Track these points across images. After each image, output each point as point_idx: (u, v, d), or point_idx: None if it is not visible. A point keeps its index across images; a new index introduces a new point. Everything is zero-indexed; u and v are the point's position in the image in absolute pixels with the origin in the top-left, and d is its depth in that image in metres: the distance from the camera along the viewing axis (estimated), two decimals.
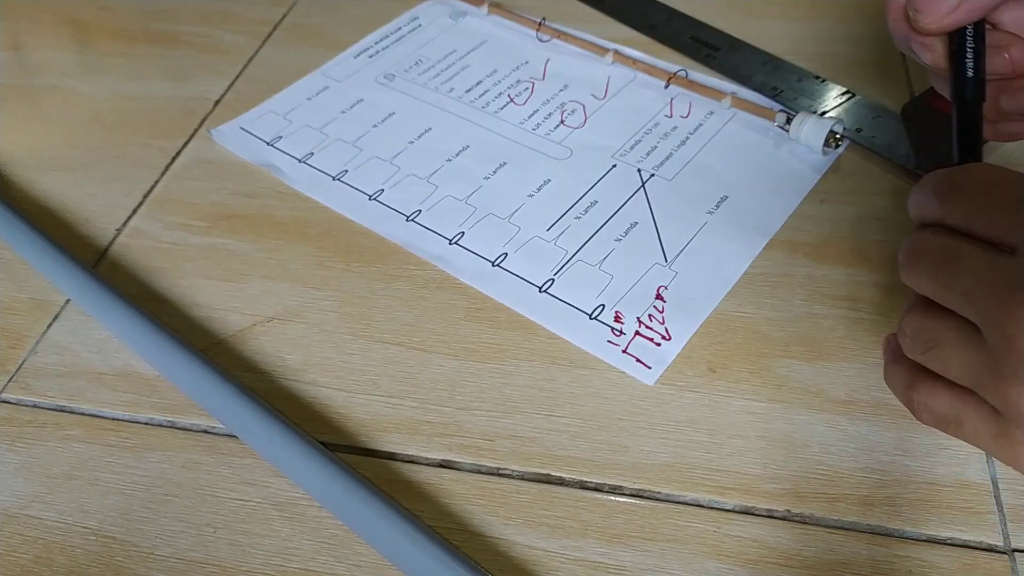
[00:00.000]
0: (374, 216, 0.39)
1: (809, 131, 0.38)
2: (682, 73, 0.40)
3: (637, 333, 0.33)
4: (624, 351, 0.32)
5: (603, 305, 0.34)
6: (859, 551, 0.26)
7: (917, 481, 0.28)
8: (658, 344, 0.32)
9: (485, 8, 0.38)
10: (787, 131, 0.39)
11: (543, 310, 0.34)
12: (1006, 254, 0.20)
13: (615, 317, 0.33)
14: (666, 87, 0.41)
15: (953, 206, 0.21)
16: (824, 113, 0.40)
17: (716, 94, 0.41)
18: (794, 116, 0.39)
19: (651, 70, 0.43)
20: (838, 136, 0.38)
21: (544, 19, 0.37)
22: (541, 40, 0.39)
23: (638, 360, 0.32)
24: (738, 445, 0.29)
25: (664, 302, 0.34)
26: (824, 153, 0.38)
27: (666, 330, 0.33)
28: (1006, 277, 0.19)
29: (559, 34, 0.40)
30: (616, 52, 0.41)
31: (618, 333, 0.33)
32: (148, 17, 0.54)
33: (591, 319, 0.33)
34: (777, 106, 0.41)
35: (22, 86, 0.49)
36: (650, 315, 0.33)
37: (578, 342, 0.33)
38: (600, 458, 0.29)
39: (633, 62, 0.41)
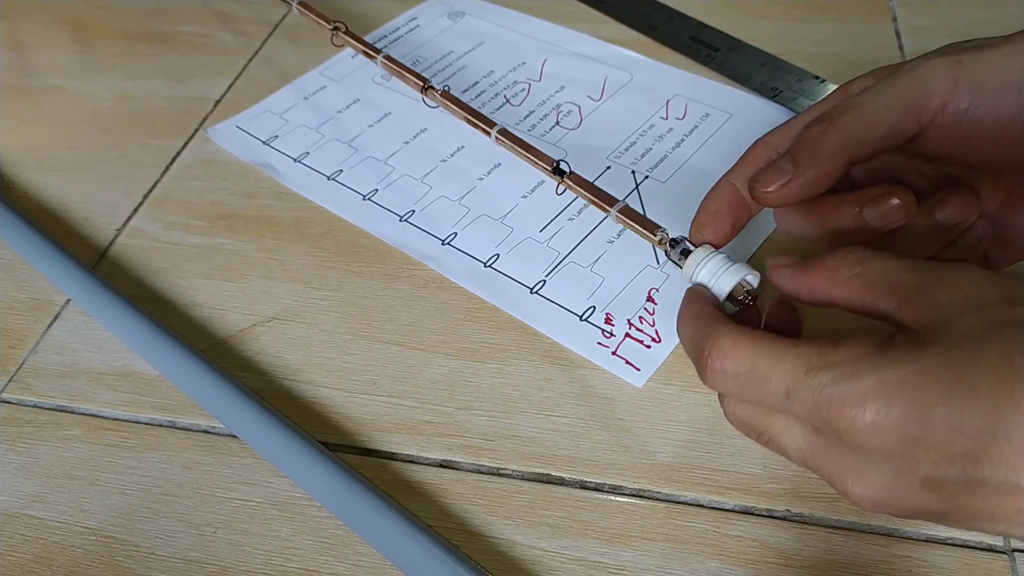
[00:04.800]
0: (368, 216, 0.39)
1: (710, 274, 0.25)
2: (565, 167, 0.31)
3: (627, 335, 0.33)
4: (614, 353, 0.32)
5: (594, 307, 0.34)
6: (859, 551, 0.26)
7: None
8: (648, 346, 0.32)
9: (379, 60, 0.37)
10: (679, 265, 0.27)
11: (534, 311, 0.34)
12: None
13: (606, 319, 0.33)
14: (559, 185, 0.32)
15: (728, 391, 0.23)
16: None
17: (609, 200, 0.30)
18: (690, 250, 0.26)
19: (537, 156, 0.32)
20: (748, 294, 0.25)
21: (429, 83, 0.35)
22: (428, 105, 0.37)
23: (627, 362, 0.32)
24: (738, 445, 0.29)
25: (655, 304, 0.34)
26: (727, 310, 0.25)
27: (656, 332, 0.33)
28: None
29: (449, 99, 0.35)
30: (501, 131, 0.33)
31: (608, 335, 0.33)
32: (148, 17, 0.54)
33: (581, 320, 0.33)
34: (662, 227, 0.28)
35: (22, 86, 0.49)
36: (641, 317, 0.33)
37: (568, 343, 0.33)
38: (600, 458, 0.29)
39: (520, 145, 0.32)
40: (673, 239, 0.27)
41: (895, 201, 0.25)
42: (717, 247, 0.27)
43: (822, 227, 0.26)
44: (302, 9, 0.41)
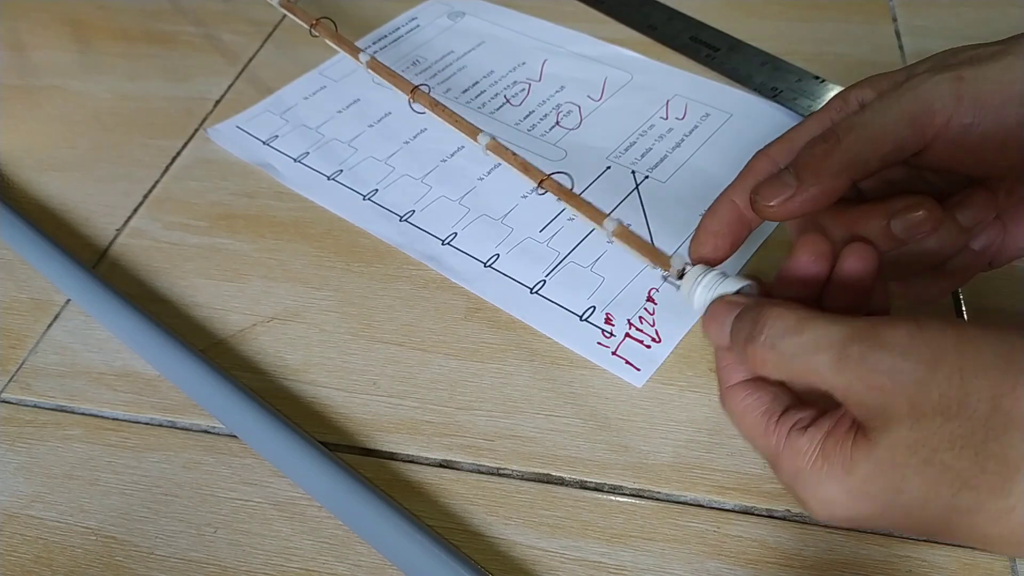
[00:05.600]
0: (368, 216, 0.39)
1: (703, 297, 0.25)
2: (563, 179, 0.30)
3: (627, 335, 0.33)
4: (614, 353, 0.32)
5: (594, 307, 0.34)
6: (859, 551, 0.26)
7: None
8: (648, 346, 0.32)
9: (364, 60, 0.35)
10: (676, 286, 0.26)
11: (534, 311, 0.34)
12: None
13: (606, 319, 0.33)
14: (541, 192, 0.30)
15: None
16: None
17: (598, 216, 0.29)
18: (687, 268, 0.26)
19: (526, 167, 0.31)
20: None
21: (417, 88, 0.34)
22: (414, 110, 0.36)
23: (627, 362, 0.32)
24: (738, 445, 0.29)
25: (655, 304, 0.34)
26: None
27: (656, 332, 0.33)
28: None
29: (434, 105, 0.34)
30: (492, 139, 0.31)
31: (608, 335, 0.33)
32: (148, 17, 0.54)
33: (581, 320, 0.33)
34: (671, 252, 0.27)
35: (22, 86, 0.49)
36: (640, 317, 0.33)
37: (568, 343, 0.33)
38: (600, 458, 0.29)
39: (512, 155, 0.31)
40: (679, 258, 0.26)
41: (922, 214, 0.24)
42: (715, 264, 0.26)
43: (848, 236, 0.26)
44: (285, 8, 0.41)
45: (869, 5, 0.48)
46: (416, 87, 0.35)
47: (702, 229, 0.27)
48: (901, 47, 0.45)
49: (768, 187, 0.24)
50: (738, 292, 0.24)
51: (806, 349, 0.21)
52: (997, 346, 0.19)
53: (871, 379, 0.19)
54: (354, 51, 0.37)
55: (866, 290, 0.24)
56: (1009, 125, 0.23)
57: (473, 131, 0.32)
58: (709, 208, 0.27)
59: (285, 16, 0.52)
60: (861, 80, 0.26)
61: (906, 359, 0.19)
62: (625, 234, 0.27)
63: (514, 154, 0.31)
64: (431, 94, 0.35)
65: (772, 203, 0.24)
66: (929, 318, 0.20)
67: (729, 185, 0.27)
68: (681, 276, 0.26)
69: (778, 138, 0.26)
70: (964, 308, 0.33)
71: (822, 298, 0.24)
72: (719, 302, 0.24)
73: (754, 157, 0.26)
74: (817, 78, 0.43)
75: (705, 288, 0.25)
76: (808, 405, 0.23)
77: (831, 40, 0.46)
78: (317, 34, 0.38)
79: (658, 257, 0.26)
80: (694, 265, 0.26)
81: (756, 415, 0.23)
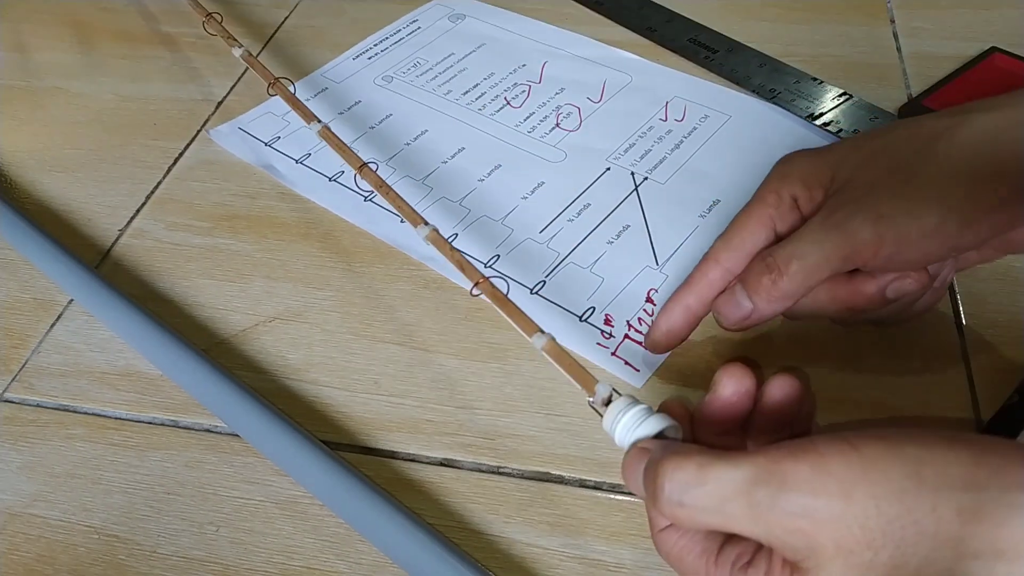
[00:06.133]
0: (369, 217, 0.39)
1: (622, 437, 0.23)
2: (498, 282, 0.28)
3: (627, 336, 0.33)
4: (613, 354, 0.32)
5: (593, 307, 0.34)
6: None
7: None
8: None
9: (315, 129, 0.35)
10: (599, 413, 0.24)
11: (534, 312, 0.34)
12: None
13: (605, 320, 0.33)
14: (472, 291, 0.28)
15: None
16: None
17: (530, 327, 0.27)
18: (613, 397, 0.24)
19: (462, 265, 0.29)
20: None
21: (367, 164, 0.32)
22: (362, 195, 0.37)
23: (627, 363, 0.32)
24: None
25: (654, 305, 0.34)
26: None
27: (615, 392, 0.32)
28: None
29: (380, 186, 0.32)
30: (433, 231, 0.30)
31: (608, 336, 0.33)
32: (150, 19, 0.54)
33: (581, 321, 0.33)
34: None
35: (25, 87, 0.49)
36: (640, 318, 0.33)
37: (568, 344, 0.33)
38: (600, 457, 0.29)
39: (450, 250, 0.29)
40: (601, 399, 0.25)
41: (910, 280, 0.27)
42: (663, 352, 0.31)
43: (842, 307, 0.28)
44: (247, 61, 0.41)
45: (867, 7, 0.48)
46: (364, 164, 0.33)
47: (656, 329, 0.30)
48: (899, 48, 0.45)
49: (728, 308, 0.28)
50: (658, 435, 0.23)
51: (713, 500, 0.20)
52: (901, 467, 0.18)
53: (788, 523, 0.19)
54: (308, 116, 0.36)
55: (790, 415, 0.24)
56: (931, 253, 0.25)
57: (416, 219, 0.31)
58: (662, 311, 0.30)
59: (286, 19, 0.53)
60: (785, 169, 0.28)
61: (817, 497, 0.18)
62: (555, 351, 0.26)
63: (452, 249, 0.30)
64: (378, 172, 0.34)
65: (732, 321, 0.28)
66: (830, 440, 0.19)
67: (681, 287, 0.30)
68: (607, 403, 0.24)
69: (722, 240, 0.29)
70: (963, 311, 0.33)
71: (747, 422, 0.25)
72: (634, 451, 0.23)
73: (704, 262, 0.29)
74: (815, 79, 0.43)
75: (624, 428, 0.23)
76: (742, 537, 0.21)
77: (829, 42, 0.46)
78: (274, 92, 0.38)
79: (585, 380, 0.25)
80: (619, 396, 0.24)
81: (692, 558, 0.22)
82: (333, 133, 0.35)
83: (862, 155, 0.27)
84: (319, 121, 0.36)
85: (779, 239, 0.28)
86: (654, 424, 0.23)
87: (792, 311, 0.28)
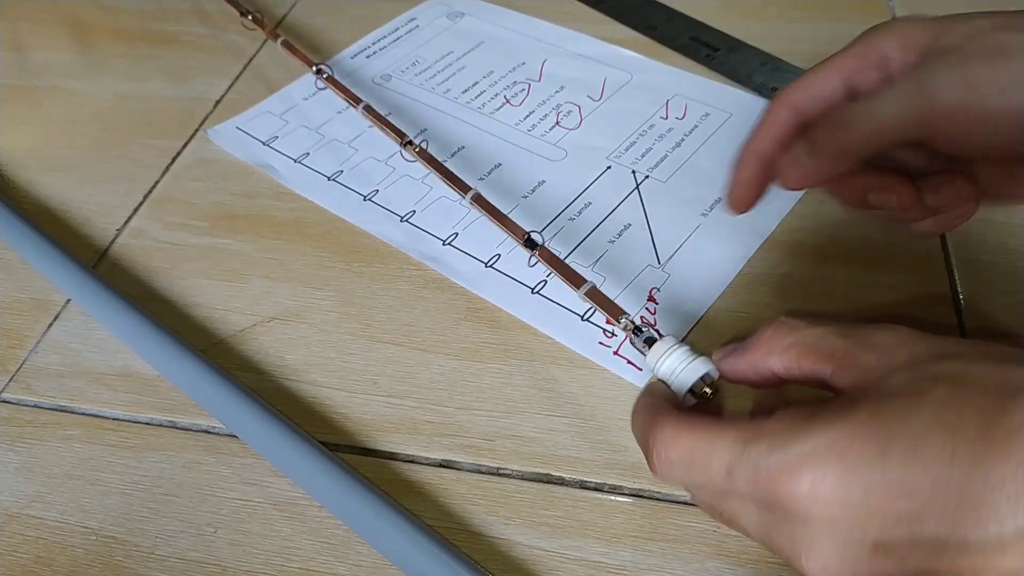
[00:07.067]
0: (368, 217, 0.39)
1: (670, 370, 0.25)
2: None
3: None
4: (615, 353, 0.32)
5: (595, 307, 0.34)
6: None
7: None
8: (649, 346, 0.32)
9: (360, 107, 0.39)
10: (643, 353, 0.26)
11: (535, 311, 0.34)
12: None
13: (607, 319, 0.33)
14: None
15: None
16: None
17: (578, 280, 0.30)
18: (655, 339, 0.26)
19: (509, 225, 0.33)
20: (710, 387, 0.25)
21: (411, 140, 0.36)
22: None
23: (629, 362, 0.32)
24: None
25: (656, 304, 0.34)
26: (685, 401, 0.25)
27: (658, 332, 0.32)
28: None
29: (428, 160, 0.36)
30: (475, 195, 0.33)
31: (609, 335, 0.33)
32: (148, 17, 0.54)
33: (583, 320, 0.33)
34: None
35: (22, 86, 0.49)
36: (642, 317, 0.33)
37: (570, 344, 0.33)
38: (600, 458, 0.29)
39: (496, 214, 0.33)
40: (637, 327, 0.27)
41: (893, 197, 0.27)
42: (745, 210, 0.29)
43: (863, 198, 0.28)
44: (288, 48, 0.42)
45: (868, 5, 0.48)
46: (409, 140, 0.37)
47: (734, 182, 0.29)
48: None
49: (788, 165, 0.27)
50: (701, 378, 0.25)
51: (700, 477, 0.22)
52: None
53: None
54: (354, 99, 0.39)
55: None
56: (1009, 134, 0.23)
57: (464, 187, 0.34)
58: (736, 162, 0.29)
59: (285, 17, 0.52)
60: (888, 24, 0.27)
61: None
62: (596, 295, 0.29)
63: (498, 212, 0.33)
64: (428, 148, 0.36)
65: (792, 178, 0.27)
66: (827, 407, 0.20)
67: (750, 137, 0.29)
68: (649, 344, 0.26)
69: (793, 84, 0.28)
70: (963, 306, 0.33)
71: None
72: (642, 404, 0.24)
73: (771, 106, 0.28)
74: None
75: (670, 366, 0.25)
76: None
77: (830, 40, 0.46)
78: (323, 86, 0.41)
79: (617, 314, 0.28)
80: (661, 336, 0.26)
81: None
82: (376, 112, 0.38)
83: (971, 27, 0.25)
84: (362, 101, 0.39)
85: (852, 97, 0.27)
86: (701, 366, 0.25)
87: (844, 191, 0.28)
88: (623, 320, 0.28)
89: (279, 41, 0.42)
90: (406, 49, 0.49)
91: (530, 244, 0.31)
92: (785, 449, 0.19)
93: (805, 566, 0.19)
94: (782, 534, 0.20)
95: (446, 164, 0.35)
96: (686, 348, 0.25)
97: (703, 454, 0.21)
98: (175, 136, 0.44)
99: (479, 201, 0.33)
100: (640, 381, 0.31)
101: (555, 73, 0.46)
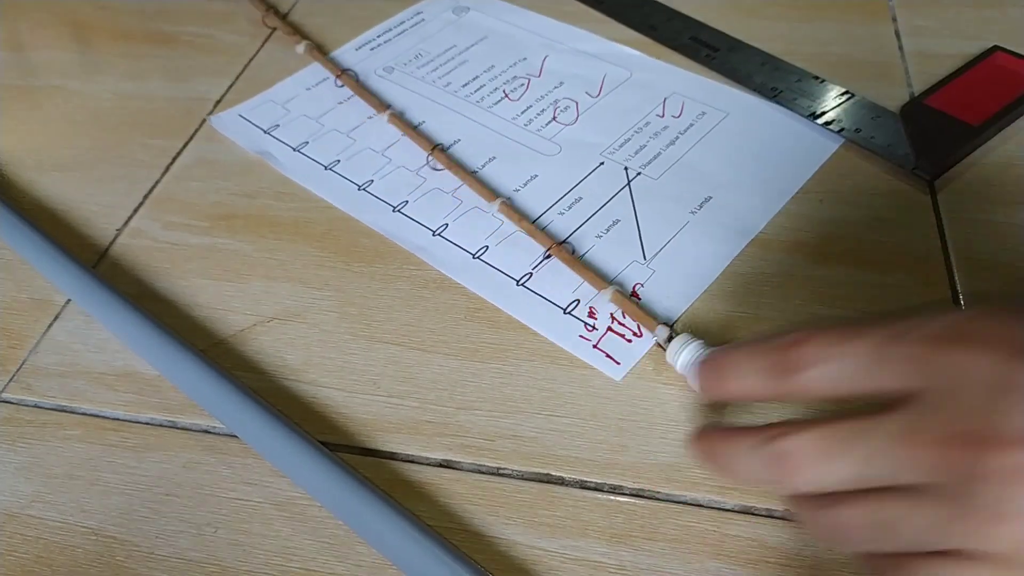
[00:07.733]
0: (361, 206, 0.39)
1: (687, 361, 0.30)
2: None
3: (609, 329, 0.33)
4: (595, 346, 0.32)
5: (578, 300, 0.34)
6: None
7: None
8: (629, 340, 0.32)
9: (386, 117, 0.41)
10: (664, 349, 0.31)
11: (519, 303, 0.34)
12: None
13: (589, 312, 0.33)
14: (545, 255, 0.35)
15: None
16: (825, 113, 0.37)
17: (599, 283, 0.34)
18: (675, 335, 0.31)
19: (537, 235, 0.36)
20: None
21: (438, 146, 0.38)
22: (433, 168, 0.40)
23: (608, 356, 0.32)
24: None
25: (639, 299, 0.34)
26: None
27: (638, 327, 0.33)
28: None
29: (452, 166, 0.39)
30: (504, 203, 0.37)
31: (591, 328, 0.33)
32: (148, 17, 0.54)
33: (565, 313, 0.33)
34: (662, 319, 0.32)
35: (22, 86, 0.49)
36: (624, 311, 0.33)
37: (551, 336, 0.33)
38: (600, 458, 0.29)
39: (520, 220, 0.36)
40: (665, 326, 0.31)
41: None
42: None
43: None
44: (312, 53, 0.44)
45: (869, 5, 0.48)
46: (436, 146, 0.39)
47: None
48: (901, 47, 0.45)
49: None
50: None
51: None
52: None
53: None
54: (379, 106, 0.42)
55: None
56: None
57: (490, 196, 0.38)
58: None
59: (286, 16, 0.52)
60: None
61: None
62: (620, 299, 0.33)
63: (522, 218, 0.36)
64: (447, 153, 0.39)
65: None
66: None
67: None
68: (669, 340, 0.31)
69: None
70: (963, 306, 0.33)
71: None
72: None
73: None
74: (816, 78, 0.43)
75: (688, 355, 0.29)
76: None
77: (831, 40, 0.46)
78: (341, 84, 0.43)
79: (647, 322, 0.32)
80: (678, 334, 0.30)
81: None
82: (402, 120, 0.40)
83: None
84: (389, 107, 0.41)
85: None
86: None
87: None
88: (657, 332, 0.31)
89: (302, 44, 0.43)
90: (410, 43, 0.49)
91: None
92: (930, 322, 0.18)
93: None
94: (974, 479, 0.17)
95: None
96: (701, 342, 0.29)
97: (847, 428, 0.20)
98: (175, 136, 0.44)
99: (506, 211, 0.37)
100: (618, 375, 0.31)
101: (555, 69, 0.46)
